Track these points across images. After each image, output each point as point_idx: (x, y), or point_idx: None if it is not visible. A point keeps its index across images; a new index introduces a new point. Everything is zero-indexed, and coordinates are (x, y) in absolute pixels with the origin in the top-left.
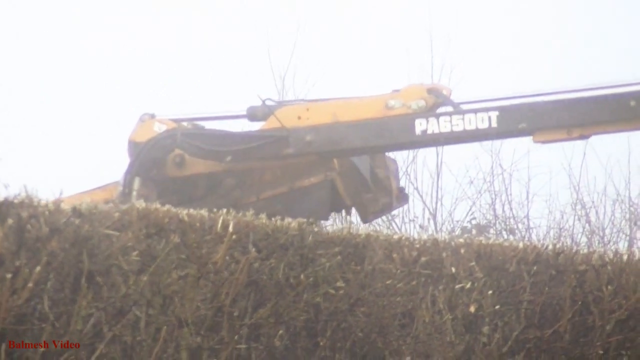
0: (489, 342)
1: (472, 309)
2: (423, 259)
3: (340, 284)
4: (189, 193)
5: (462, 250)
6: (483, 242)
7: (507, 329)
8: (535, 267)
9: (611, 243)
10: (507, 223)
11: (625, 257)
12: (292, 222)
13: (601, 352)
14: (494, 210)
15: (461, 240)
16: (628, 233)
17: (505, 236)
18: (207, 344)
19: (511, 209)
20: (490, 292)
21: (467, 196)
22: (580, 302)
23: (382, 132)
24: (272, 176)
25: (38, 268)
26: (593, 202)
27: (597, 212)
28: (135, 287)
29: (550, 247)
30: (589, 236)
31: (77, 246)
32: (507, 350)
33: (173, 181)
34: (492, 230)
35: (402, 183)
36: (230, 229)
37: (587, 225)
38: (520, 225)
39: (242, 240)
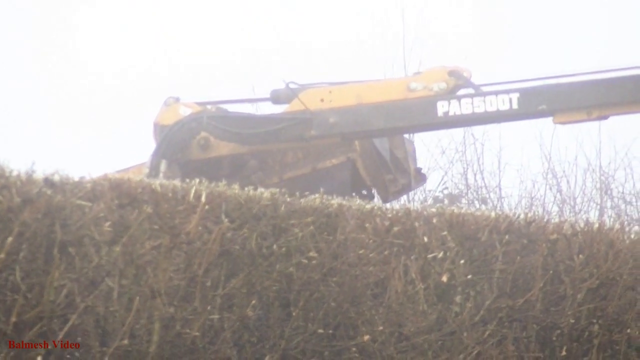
0: (461, 312)
1: (444, 278)
2: (395, 228)
3: (312, 253)
4: (212, 175)
5: (435, 220)
6: (455, 211)
7: (479, 298)
8: (507, 237)
9: (582, 212)
10: (479, 192)
11: (596, 226)
12: (264, 192)
13: (572, 320)
14: (466, 179)
15: (433, 209)
16: (599, 202)
17: (478, 206)
18: (180, 314)
19: (483, 179)
20: (462, 261)
21: (439, 166)
22: (551, 271)
23: (405, 114)
24: (293, 158)
25: (10, 239)
26: (564, 171)
27: (568, 181)
28: (107, 257)
29: (522, 216)
30: (561, 205)
31: (49, 217)
32: (479, 319)
33: (197, 163)
34: (464, 200)
35: None
36: (203, 199)
37: (558, 194)
38: (492, 195)
39: (214, 210)
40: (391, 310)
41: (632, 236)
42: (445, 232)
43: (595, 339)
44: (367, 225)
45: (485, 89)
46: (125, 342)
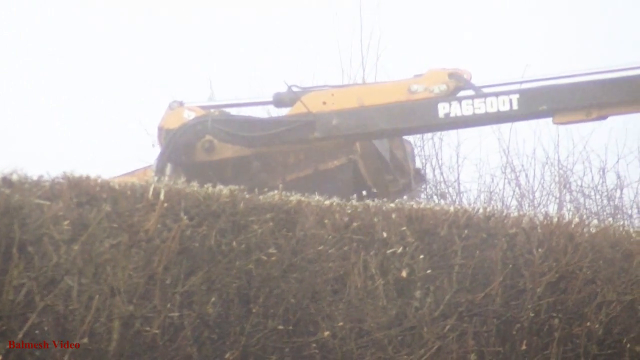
0: (421, 307)
1: (404, 273)
2: (354, 224)
3: (272, 250)
4: (216, 177)
5: (394, 215)
6: (414, 206)
7: (439, 293)
8: (466, 231)
9: (541, 206)
10: (438, 187)
11: (555, 220)
12: (223, 189)
13: (532, 314)
14: (425, 174)
15: (392, 205)
16: (557, 196)
17: (436, 200)
18: (140, 312)
19: (442, 173)
20: (421, 256)
21: None
22: (511, 265)
23: (407, 116)
24: (295, 159)
25: None
26: (523, 165)
27: (526, 175)
28: (67, 256)
29: (481, 210)
30: (519, 199)
31: (7, 216)
32: (439, 314)
33: (201, 166)
34: (423, 195)
35: None
36: (162, 196)
37: (517, 188)
38: (451, 189)
39: (173, 207)
40: (351, 306)
41: (591, 229)
42: (404, 227)
43: (555, 333)
44: (326, 221)
45: (485, 90)
46: (85, 340)
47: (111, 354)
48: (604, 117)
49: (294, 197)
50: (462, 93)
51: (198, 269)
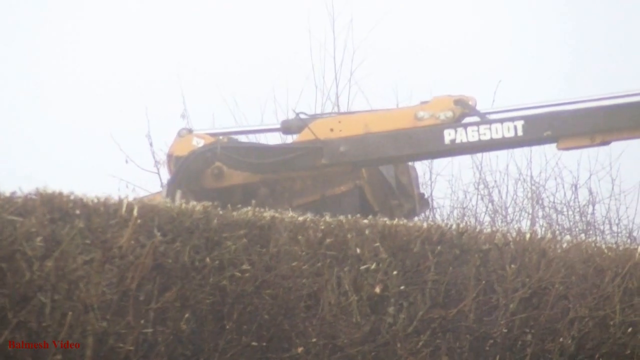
0: (394, 323)
1: (377, 289)
2: (328, 240)
3: (246, 266)
4: (225, 202)
5: (367, 231)
6: (387, 222)
7: (412, 309)
8: (439, 247)
9: (514, 222)
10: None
11: (528, 236)
12: (197, 206)
13: (505, 330)
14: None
15: (365, 221)
16: (530, 212)
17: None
18: (113, 328)
19: None
20: (395, 272)
21: None
22: (484, 282)
23: (413, 142)
24: (302, 185)
25: None
26: (496, 181)
27: (499, 191)
28: (39, 272)
29: (454, 226)
30: (492, 215)
31: None
32: (413, 330)
33: (210, 192)
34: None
35: None
36: (135, 213)
37: (490, 204)
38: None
39: (147, 224)
40: (324, 322)
41: (564, 245)
42: (377, 243)
43: (528, 348)
44: (299, 237)
45: (490, 116)
46: (59, 357)
47: None
48: (607, 143)
49: (268, 213)
50: (467, 119)
51: (172, 285)
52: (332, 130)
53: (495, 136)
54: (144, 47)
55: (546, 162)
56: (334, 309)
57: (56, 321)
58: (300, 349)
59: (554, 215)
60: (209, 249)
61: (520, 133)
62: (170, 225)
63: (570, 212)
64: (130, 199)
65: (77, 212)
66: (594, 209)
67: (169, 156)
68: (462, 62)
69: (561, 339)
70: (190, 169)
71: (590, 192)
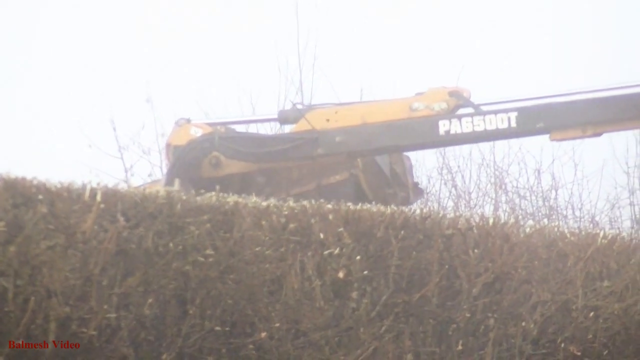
0: (357, 307)
1: (340, 274)
2: (291, 225)
3: (209, 251)
4: (222, 191)
5: (331, 216)
6: (351, 207)
7: (375, 294)
8: (402, 232)
9: (477, 207)
10: None
11: (491, 221)
12: (160, 191)
13: (468, 315)
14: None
15: (329, 206)
16: (493, 197)
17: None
18: (76, 313)
19: None
20: (358, 257)
21: None
22: (447, 266)
23: (408, 133)
24: (299, 174)
25: None
26: (459, 166)
27: (463, 176)
28: (2, 257)
29: (418, 211)
30: (456, 200)
31: None
32: (376, 314)
33: (208, 181)
34: None
35: None
36: (98, 198)
37: (453, 189)
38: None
39: (110, 209)
40: (288, 307)
41: (527, 230)
42: (341, 229)
43: (490, 333)
44: (263, 222)
45: (484, 108)
46: (20, 342)
47: (47, 356)
48: (599, 134)
49: (231, 199)
50: (461, 111)
51: (135, 270)
52: (328, 120)
53: (489, 127)
54: (110, 33)
55: (509, 147)
56: (298, 294)
57: (19, 306)
58: (263, 334)
59: (517, 200)
60: (172, 234)
61: (513, 124)
62: (134, 211)
63: (533, 197)
64: (94, 184)
65: (40, 197)
66: (556, 194)
67: (167, 145)
68: (428, 46)
69: (524, 323)
70: (188, 159)
71: (553, 177)
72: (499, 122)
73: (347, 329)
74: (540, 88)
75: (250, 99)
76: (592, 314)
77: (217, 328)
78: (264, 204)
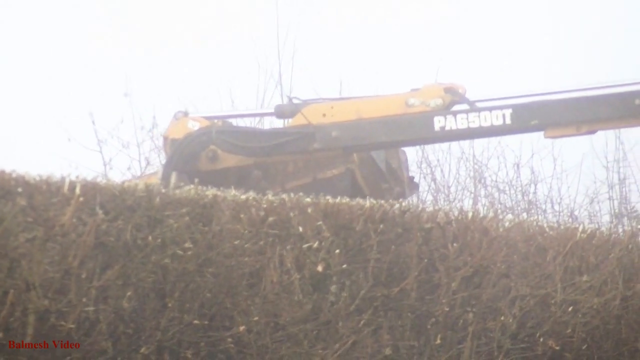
0: (336, 301)
1: (319, 268)
2: (270, 218)
3: (188, 244)
4: (218, 185)
5: (310, 210)
6: (330, 201)
7: (354, 287)
8: (382, 226)
9: (456, 201)
10: None
11: (470, 215)
12: (139, 184)
13: (447, 309)
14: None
15: (308, 199)
16: (473, 191)
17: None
18: (55, 306)
19: None
20: (337, 251)
21: None
22: (426, 260)
23: (404, 129)
24: (295, 168)
25: None
26: (438, 160)
27: (442, 170)
28: None
29: (397, 205)
30: (435, 194)
31: None
32: (355, 308)
33: (205, 174)
34: None
35: None
36: (78, 191)
37: (432, 183)
38: None
39: (89, 202)
40: (267, 301)
41: (506, 224)
42: (320, 222)
43: (469, 327)
44: (242, 215)
45: (479, 104)
46: (0, 335)
47: (25, 349)
48: (593, 132)
49: (210, 192)
50: (457, 107)
51: (114, 263)
52: (324, 115)
53: (484, 124)
54: (89, 26)
55: (488, 141)
56: (276, 288)
57: None
58: (242, 328)
59: (496, 194)
60: (151, 227)
61: (508, 121)
62: (113, 204)
63: (513, 191)
64: (73, 177)
65: (20, 190)
66: (536, 188)
67: (165, 138)
68: (408, 42)
69: (502, 318)
70: (185, 152)
71: (533, 171)
72: (494, 119)
73: (326, 322)
74: (536, 86)
75: (229, 92)
76: (571, 308)
77: (196, 321)
78: (243, 197)
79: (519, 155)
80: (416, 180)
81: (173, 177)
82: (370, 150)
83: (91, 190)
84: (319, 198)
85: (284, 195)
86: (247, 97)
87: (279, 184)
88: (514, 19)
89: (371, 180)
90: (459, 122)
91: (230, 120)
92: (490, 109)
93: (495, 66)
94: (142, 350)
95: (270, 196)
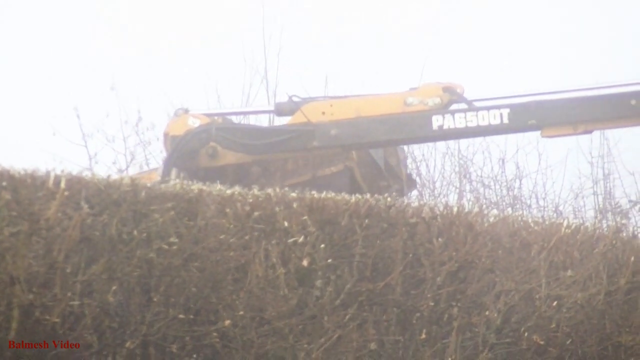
0: (321, 296)
1: (305, 262)
2: (256, 213)
3: (173, 239)
4: (218, 181)
5: (295, 205)
6: (315, 196)
7: (339, 282)
8: (367, 221)
9: (441, 196)
10: None
11: (455, 210)
12: (124, 178)
13: (432, 303)
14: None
15: (294, 194)
16: (458, 186)
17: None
18: (40, 300)
19: None
20: (322, 245)
21: None
22: (411, 255)
23: (402, 127)
24: (294, 165)
25: None
26: (423, 155)
27: (427, 165)
28: None
29: (382, 200)
30: (420, 189)
31: None
32: (340, 303)
33: (205, 170)
34: None
35: None
36: (62, 185)
37: (417, 178)
38: None
39: (74, 196)
40: (252, 295)
41: (491, 219)
42: (305, 217)
43: (454, 322)
44: (227, 210)
45: (477, 104)
46: None
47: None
48: (589, 132)
49: (195, 186)
50: (455, 106)
51: (99, 257)
52: (324, 113)
53: (481, 123)
54: (74, 21)
55: None
56: (262, 282)
57: None
58: (227, 322)
59: (481, 189)
60: (136, 221)
61: (505, 121)
62: (98, 198)
63: (498, 186)
64: (58, 171)
65: (4, 184)
66: (520, 183)
67: (165, 135)
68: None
69: (487, 313)
70: (186, 149)
71: (517, 167)
72: (492, 118)
73: (311, 317)
74: (534, 86)
75: (216, 88)
76: (555, 303)
77: (181, 316)
78: (229, 191)
79: (504, 151)
80: (414, 177)
81: (173, 174)
82: (369, 148)
83: (76, 184)
84: (305, 193)
85: (270, 190)
86: (233, 93)
87: (278, 181)
88: (514, 19)
89: (370, 178)
90: (457, 121)
91: (230, 117)
92: (488, 108)
93: (495, 66)
94: (127, 344)
95: (255, 191)
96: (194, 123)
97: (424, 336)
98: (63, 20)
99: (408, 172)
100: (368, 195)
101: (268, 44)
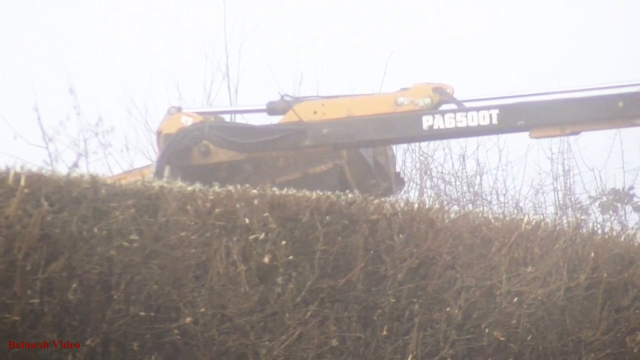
0: (283, 292)
1: (266, 259)
2: (217, 210)
3: (134, 236)
4: (210, 179)
5: (256, 201)
6: (277, 192)
7: (300, 279)
8: (328, 217)
9: (402, 192)
10: None
11: (416, 206)
12: (84, 175)
13: (393, 300)
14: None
15: (255, 191)
16: (418, 182)
17: None
18: None
19: None
20: (283, 242)
21: None
22: (372, 251)
23: (393, 127)
24: (285, 163)
25: None
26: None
27: None
28: None
29: (343, 197)
30: None
31: None
32: (301, 300)
33: (197, 168)
34: None
35: None
36: (22, 182)
37: None
38: None
39: (34, 193)
40: (213, 292)
41: (452, 215)
42: (266, 214)
43: (415, 318)
44: (188, 207)
45: (467, 104)
46: None
47: None
48: (577, 133)
49: (156, 183)
50: (445, 106)
51: (59, 255)
52: (315, 112)
53: (471, 124)
54: (31, 19)
55: None
56: (223, 279)
57: None
58: (188, 319)
59: (442, 186)
60: (96, 218)
61: (495, 121)
62: (58, 195)
63: (458, 183)
64: (18, 169)
65: None
66: (481, 180)
67: (158, 133)
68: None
69: (448, 309)
70: (178, 147)
71: (478, 163)
72: (481, 119)
73: (273, 314)
74: (523, 87)
75: (176, 85)
76: (515, 299)
77: (142, 313)
78: (189, 188)
79: (464, 147)
80: (402, 176)
81: (166, 171)
82: (358, 148)
83: (36, 181)
84: (266, 189)
85: (231, 187)
86: (194, 91)
87: (270, 178)
88: (513, 19)
89: (359, 176)
90: (447, 122)
91: (222, 115)
92: (478, 109)
93: (494, 66)
94: (88, 342)
95: (216, 187)
96: (187, 121)
97: (385, 333)
98: (21, 19)
99: (396, 170)
100: (357, 193)
101: (229, 40)
